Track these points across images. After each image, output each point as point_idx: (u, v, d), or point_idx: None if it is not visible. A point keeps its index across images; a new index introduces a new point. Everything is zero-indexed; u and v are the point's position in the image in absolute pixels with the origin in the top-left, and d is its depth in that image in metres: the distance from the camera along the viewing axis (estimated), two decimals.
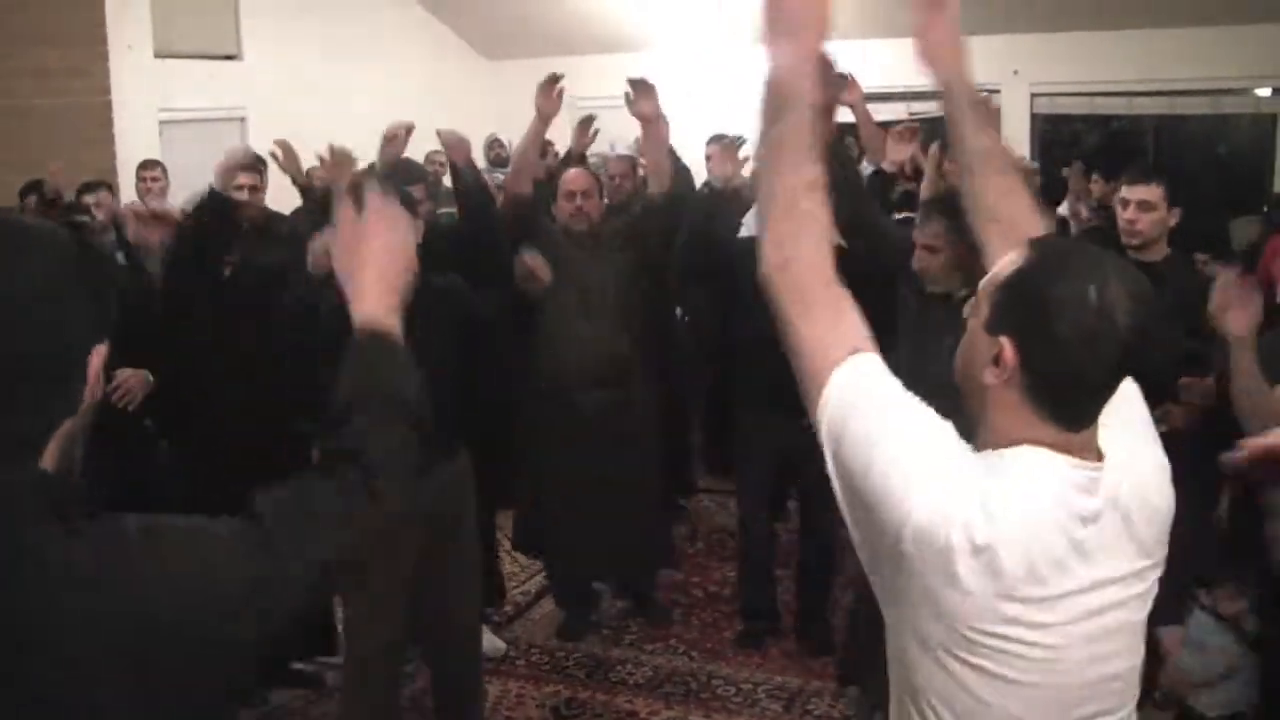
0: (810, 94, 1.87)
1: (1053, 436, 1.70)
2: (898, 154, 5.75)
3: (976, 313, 1.78)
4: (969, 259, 3.89)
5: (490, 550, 5.71)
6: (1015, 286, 1.72)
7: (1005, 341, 1.70)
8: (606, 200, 6.10)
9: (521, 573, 6.49)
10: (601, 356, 5.46)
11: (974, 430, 1.77)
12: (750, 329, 5.35)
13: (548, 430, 5.58)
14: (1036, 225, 2.07)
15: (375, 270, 1.82)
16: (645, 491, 5.74)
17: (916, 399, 1.73)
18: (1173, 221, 4.61)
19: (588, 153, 7.41)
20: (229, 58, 10.09)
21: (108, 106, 8.78)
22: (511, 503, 6.00)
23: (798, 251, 1.81)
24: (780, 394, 4.89)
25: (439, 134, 5.37)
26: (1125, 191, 4.63)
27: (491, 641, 5.55)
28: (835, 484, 1.72)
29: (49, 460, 1.42)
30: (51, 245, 1.43)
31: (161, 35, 9.33)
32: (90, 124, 8.62)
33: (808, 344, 1.75)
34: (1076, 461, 1.70)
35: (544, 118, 5.56)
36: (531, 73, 12.58)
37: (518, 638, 5.74)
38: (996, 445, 1.73)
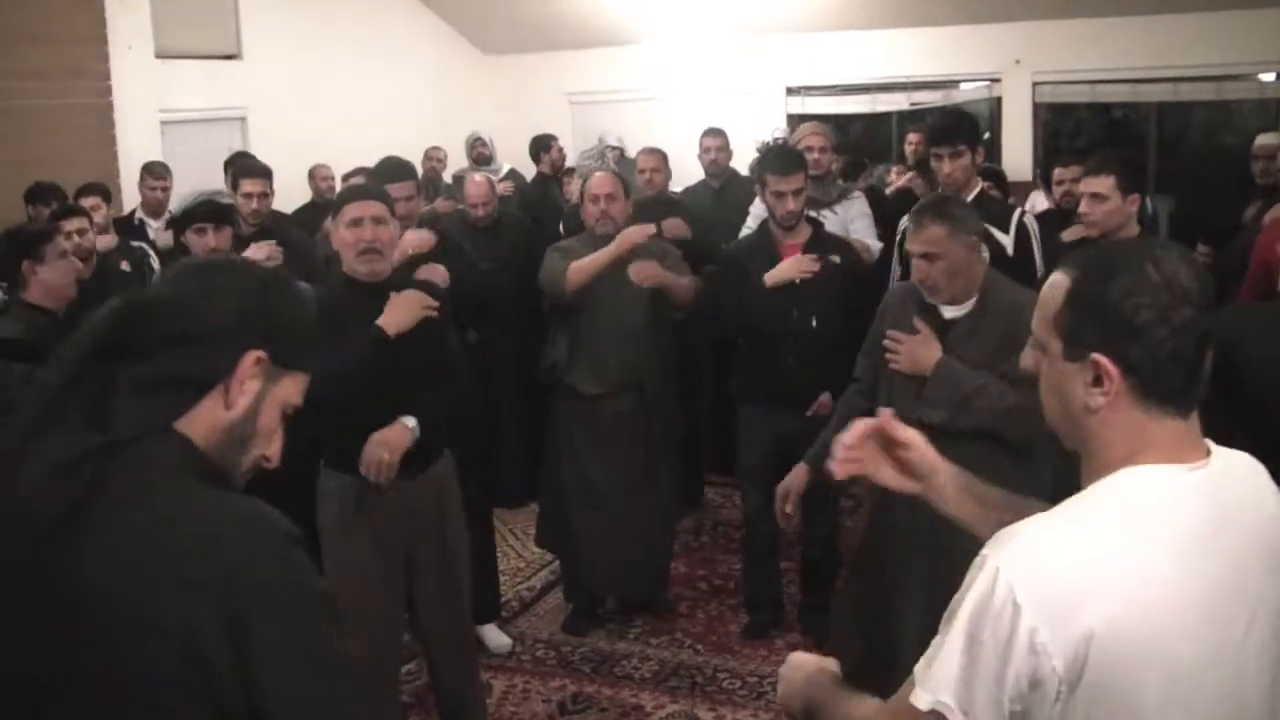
0: None
1: (1167, 435, 1.67)
2: None
3: (1045, 350, 1.75)
4: (970, 264, 3.90)
5: (490, 558, 5.72)
6: (1079, 303, 1.70)
7: (1098, 357, 1.66)
8: (637, 195, 6.07)
9: (527, 568, 6.50)
10: (624, 368, 5.49)
11: (1075, 471, 1.74)
12: (750, 324, 5.37)
13: (570, 438, 5.62)
14: None
15: None
16: (660, 504, 5.78)
17: None
18: (1132, 208, 4.68)
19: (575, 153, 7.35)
20: (229, 57, 10.08)
21: (109, 107, 8.77)
22: (512, 501, 6.01)
23: None
24: (779, 386, 4.92)
25: None
26: (1081, 184, 4.73)
27: (497, 637, 5.56)
28: None
29: (202, 438, 1.70)
30: (241, 268, 1.84)
31: (162, 35, 9.33)
32: (91, 124, 8.61)
33: None
34: (1184, 465, 1.67)
35: (624, 245, 5.39)
36: (529, 67, 12.78)
37: (523, 633, 5.74)
38: (1104, 469, 1.69)
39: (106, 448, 1.58)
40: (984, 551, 1.65)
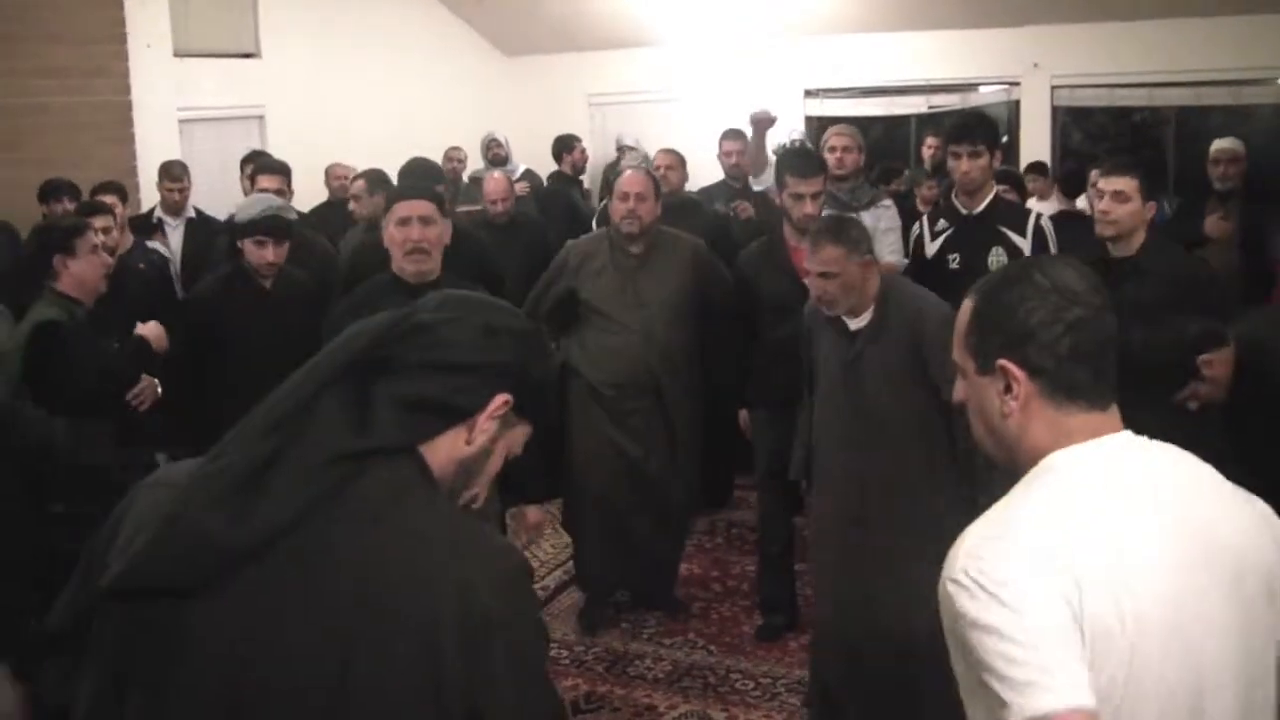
0: None
1: (1086, 425, 1.77)
2: None
3: (964, 372, 1.87)
4: (864, 281, 4.24)
5: None
6: (979, 320, 1.83)
7: (1004, 364, 1.78)
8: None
9: (541, 568, 6.50)
10: (639, 365, 5.49)
11: (1010, 480, 1.82)
12: (764, 334, 5.37)
13: (584, 424, 5.60)
14: None
15: None
16: (674, 504, 5.77)
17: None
18: (1148, 214, 4.67)
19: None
20: (248, 56, 10.10)
21: (127, 105, 8.79)
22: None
23: None
24: (792, 391, 4.93)
25: None
26: (1101, 182, 4.70)
27: None
28: None
29: (440, 470, 1.73)
30: (513, 315, 1.87)
31: (181, 34, 9.35)
32: (110, 122, 8.64)
33: None
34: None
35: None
36: (548, 68, 12.79)
37: None
38: (1033, 461, 1.79)
39: (366, 452, 1.62)
40: (943, 577, 1.70)
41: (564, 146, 9.91)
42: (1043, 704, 1.55)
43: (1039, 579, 1.61)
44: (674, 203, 6.66)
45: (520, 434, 1.85)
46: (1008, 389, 1.78)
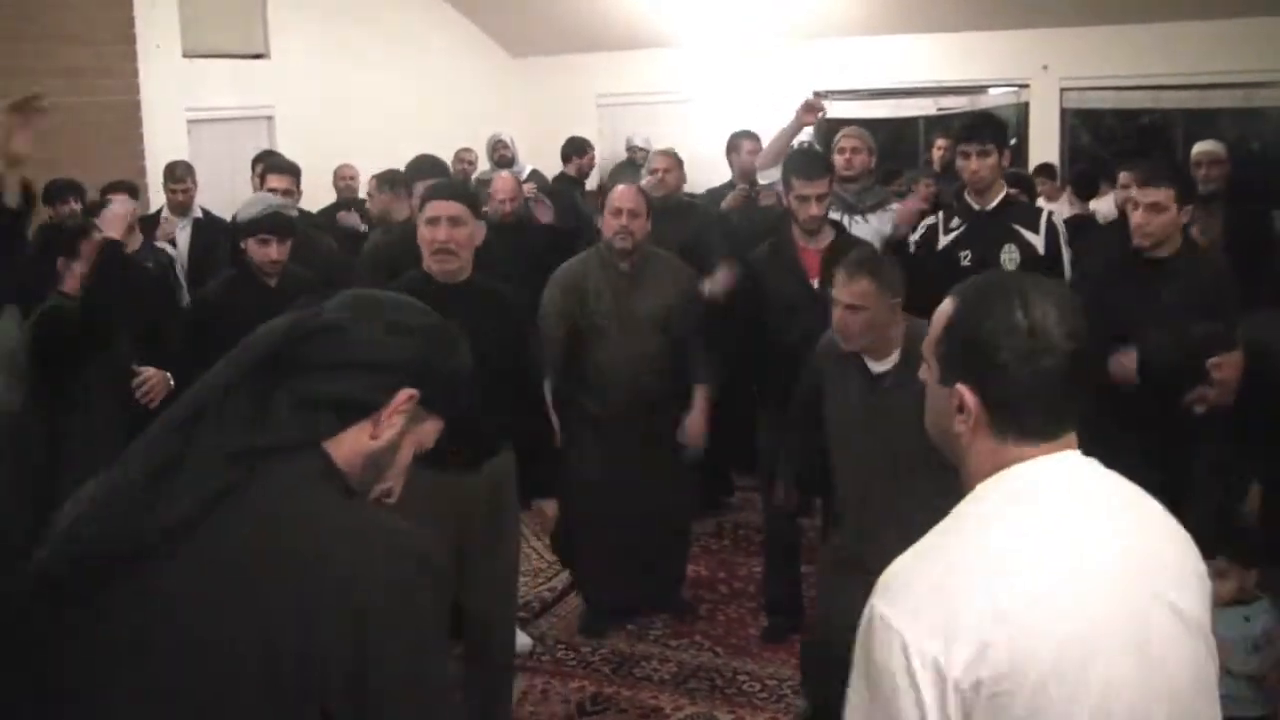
0: None
1: (1035, 452, 1.76)
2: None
3: (929, 372, 1.88)
4: (890, 323, 4.09)
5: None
6: (951, 335, 1.82)
7: (961, 389, 1.78)
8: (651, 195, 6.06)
9: (549, 569, 6.49)
10: (637, 381, 5.48)
11: (956, 479, 1.84)
12: (774, 337, 5.36)
13: (582, 447, 5.59)
14: None
15: None
16: (675, 518, 5.78)
17: None
18: (1184, 219, 4.66)
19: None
20: (257, 57, 10.13)
21: (136, 106, 8.82)
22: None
23: None
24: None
25: None
26: (1137, 194, 4.69)
27: (519, 637, 5.55)
28: None
29: (348, 466, 1.78)
30: (420, 310, 1.89)
31: (190, 35, 9.37)
32: (119, 123, 8.66)
33: None
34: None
35: None
36: (557, 70, 12.79)
37: (544, 633, 5.74)
38: (979, 478, 1.80)
39: (263, 450, 1.66)
40: (870, 602, 1.71)
41: (575, 149, 9.85)
42: None
43: (918, 656, 1.61)
44: (670, 204, 6.64)
45: (430, 428, 1.88)
46: (960, 409, 1.79)
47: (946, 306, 1.85)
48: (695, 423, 5.57)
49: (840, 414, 4.32)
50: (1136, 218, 4.65)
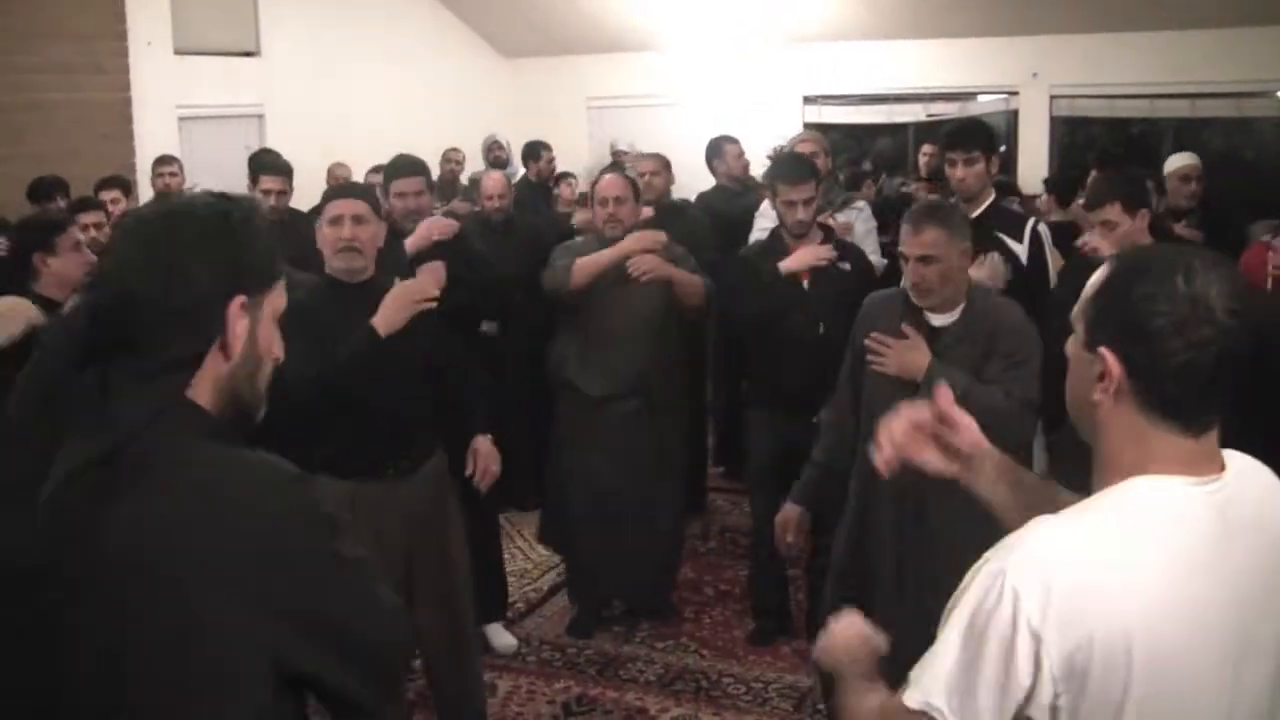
0: None
1: (1173, 449, 1.66)
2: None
3: (1075, 337, 1.75)
4: (962, 270, 3.94)
5: (496, 557, 5.73)
6: (1104, 295, 1.70)
7: (1105, 353, 1.66)
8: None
9: (534, 569, 6.49)
10: (631, 372, 5.49)
11: (1091, 461, 1.74)
12: (758, 329, 5.37)
13: (575, 439, 5.62)
14: None
15: None
16: (666, 511, 5.77)
17: None
18: (1142, 223, 4.74)
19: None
20: (248, 54, 10.12)
21: (127, 102, 8.82)
22: (518, 502, 6.00)
23: None
24: (787, 392, 4.92)
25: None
26: (1090, 216, 4.75)
27: (503, 638, 5.56)
28: None
29: (209, 399, 1.75)
30: (190, 215, 1.77)
31: (181, 32, 9.37)
32: (110, 119, 8.66)
33: None
34: (1194, 479, 1.66)
35: (623, 251, 5.42)
36: (548, 71, 12.80)
37: (529, 634, 5.74)
38: (1113, 473, 1.69)
39: (115, 449, 1.63)
40: (987, 555, 1.65)
41: (530, 153, 9.68)
42: (912, 697, 1.65)
43: (1044, 628, 1.57)
44: (659, 207, 6.66)
45: (276, 298, 1.84)
46: (1102, 377, 1.68)
47: (1103, 270, 1.73)
48: None
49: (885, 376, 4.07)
50: (1093, 243, 4.74)
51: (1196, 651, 1.59)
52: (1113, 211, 4.66)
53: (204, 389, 1.74)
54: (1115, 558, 1.59)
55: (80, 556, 1.59)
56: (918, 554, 3.93)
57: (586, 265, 5.37)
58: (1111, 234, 4.65)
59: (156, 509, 1.60)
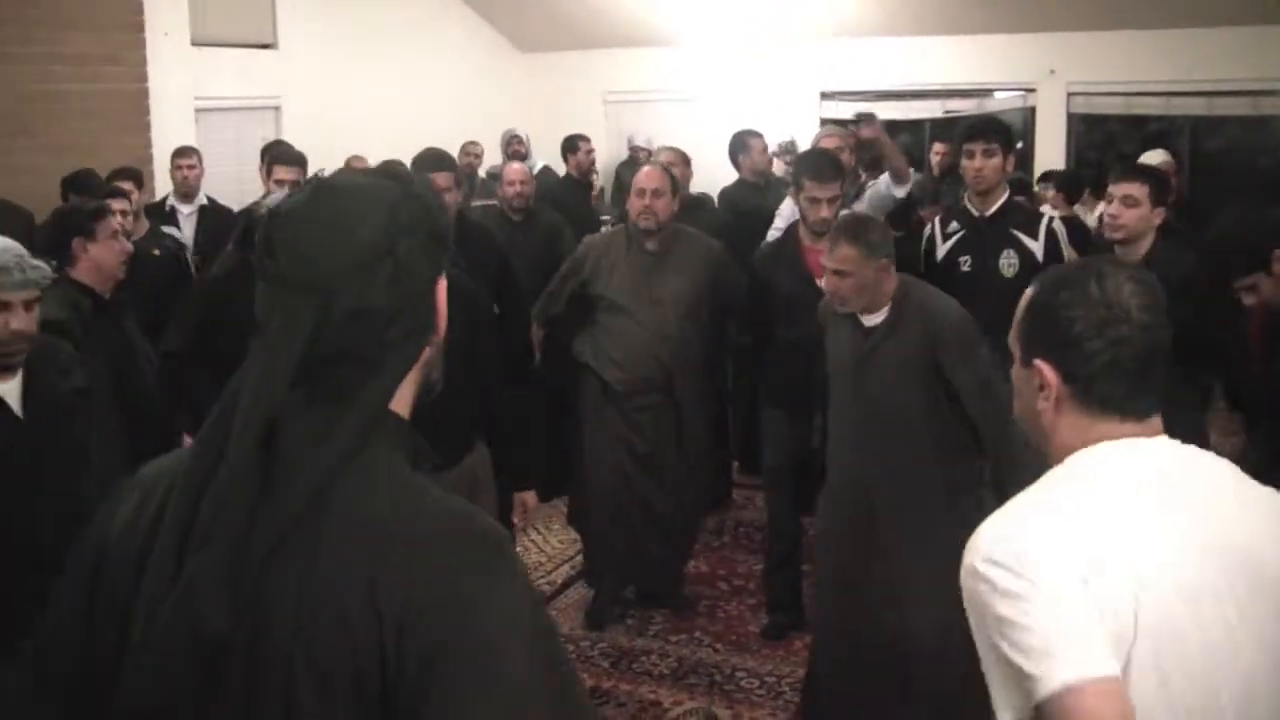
0: None
1: (1118, 432, 1.80)
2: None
3: (1015, 357, 1.92)
4: (879, 282, 4.23)
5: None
6: (1029, 313, 1.88)
7: (1040, 365, 1.83)
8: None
9: (548, 562, 6.50)
10: (653, 361, 5.50)
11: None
12: (778, 334, 5.37)
13: (595, 424, 5.63)
14: None
15: None
16: (686, 500, 5.78)
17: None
18: (1156, 220, 4.74)
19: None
20: (265, 46, 10.12)
21: (144, 93, 8.82)
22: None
23: None
24: (803, 390, 4.94)
25: None
26: (1111, 188, 4.75)
27: None
28: None
29: (409, 387, 1.57)
30: (378, 199, 1.53)
31: (198, 23, 9.38)
32: (126, 110, 8.66)
33: None
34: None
35: None
36: (565, 66, 12.80)
37: None
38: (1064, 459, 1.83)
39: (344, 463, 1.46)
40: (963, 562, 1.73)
41: (569, 147, 9.73)
42: (1066, 675, 1.57)
43: (1056, 560, 1.63)
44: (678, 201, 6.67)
45: (442, 284, 1.61)
46: (1042, 388, 1.83)
47: (1028, 291, 1.91)
48: None
49: (835, 364, 4.48)
50: (1110, 210, 4.75)
51: (1184, 585, 1.67)
52: (1140, 192, 4.70)
53: (405, 391, 1.57)
54: (1080, 503, 1.71)
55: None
56: (864, 548, 4.32)
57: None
58: (1130, 210, 4.69)
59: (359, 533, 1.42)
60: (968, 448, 4.27)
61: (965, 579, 1.70)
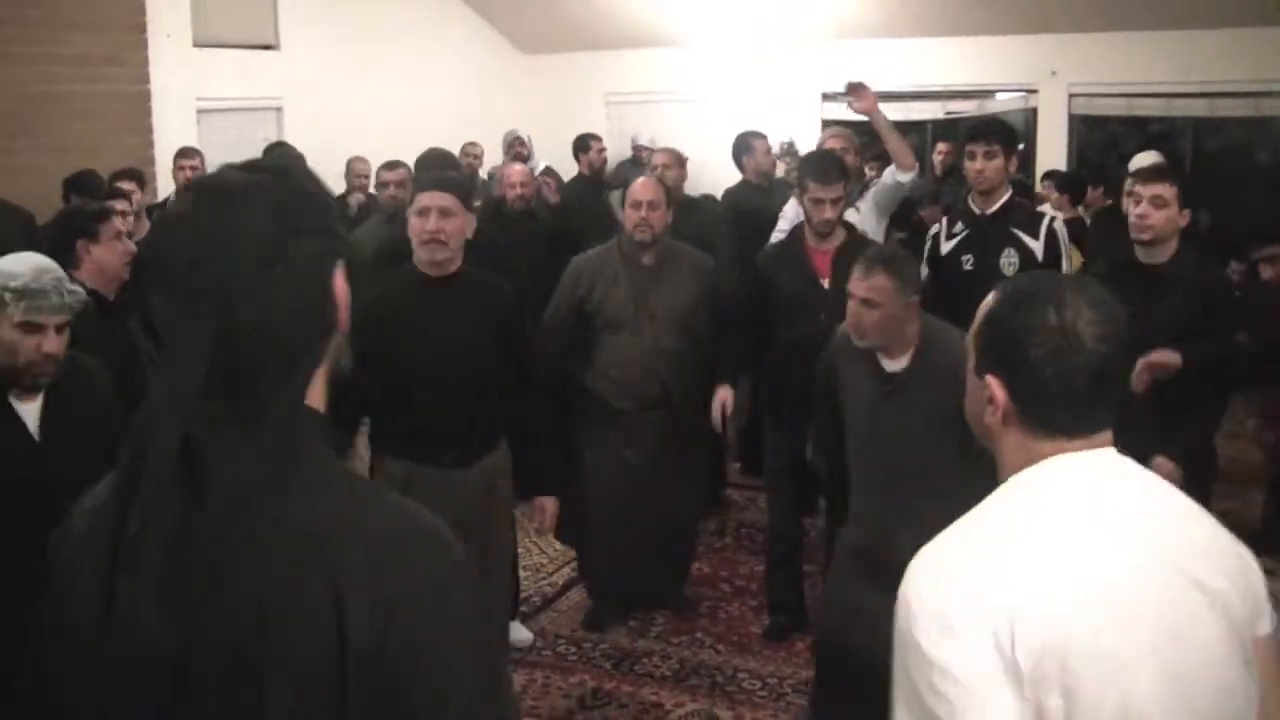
0: None
1: (1066, 449, 1.79)
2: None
3: (969, 362, 1.91)
4: (905, 321, 4.02)
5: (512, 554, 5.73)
6: (987, 327, 1.86)
7: (991, 380, 1.82)
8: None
9: (549, 564, 6.50)
10: (651, 373, 5.48)
11: (972, 476, 1.89)
12: (779, 334, 5.36)
13: (593, 435, 5.61)
14: None
15: None
16: (683, 507, 5.78)
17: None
18: (1183, 222, 4.66)
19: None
20: (266, 47, 10.14)
21: (146, 94, 8.83)
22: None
23: None
24: (805, 392, 4.94)
25: None
26: (1139, 188, 4.67)
27: (518, 632, 5.55)
28: None
29: (320, 381, 1.55)
30: (262, 200, 1.49)
31: (200, 24, 9.39)
32: (128, 111, 8.67)
33: None
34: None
35: None
36: (566, 67, 12.79)
37: (544, 628, 5.74)
38: (1010, 469, 1.83)
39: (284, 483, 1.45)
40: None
41: (580, 146, 9.79)
42: None
43: (971, 619, 1.64)
44: (673, 202, 6.66)
45: (340, 271, 1.58)
46: (990, 400, 1.83)
47: (990, 299, 1.89)
48: (713, 408, 5.54)
49: (854, 409, 4.26)
50: (1138, 210, 4.63)
51: (1132, 611, 1.66)
52: (1169, 193, 4.60)
53: (317, 384, 1.54)
54: (1013, 533, 1.71)
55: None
56: (878, 595, 4.08)
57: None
58: (1160, 211, 4.59)
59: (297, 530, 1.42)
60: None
61: (899, 604, 1.72)
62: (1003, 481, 1.83)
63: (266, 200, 1.49)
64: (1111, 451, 1.81)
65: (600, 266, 5.53)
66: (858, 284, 4.03)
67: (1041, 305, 1.78)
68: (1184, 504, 1.83)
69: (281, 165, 1.58)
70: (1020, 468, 1.81)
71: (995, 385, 1.81)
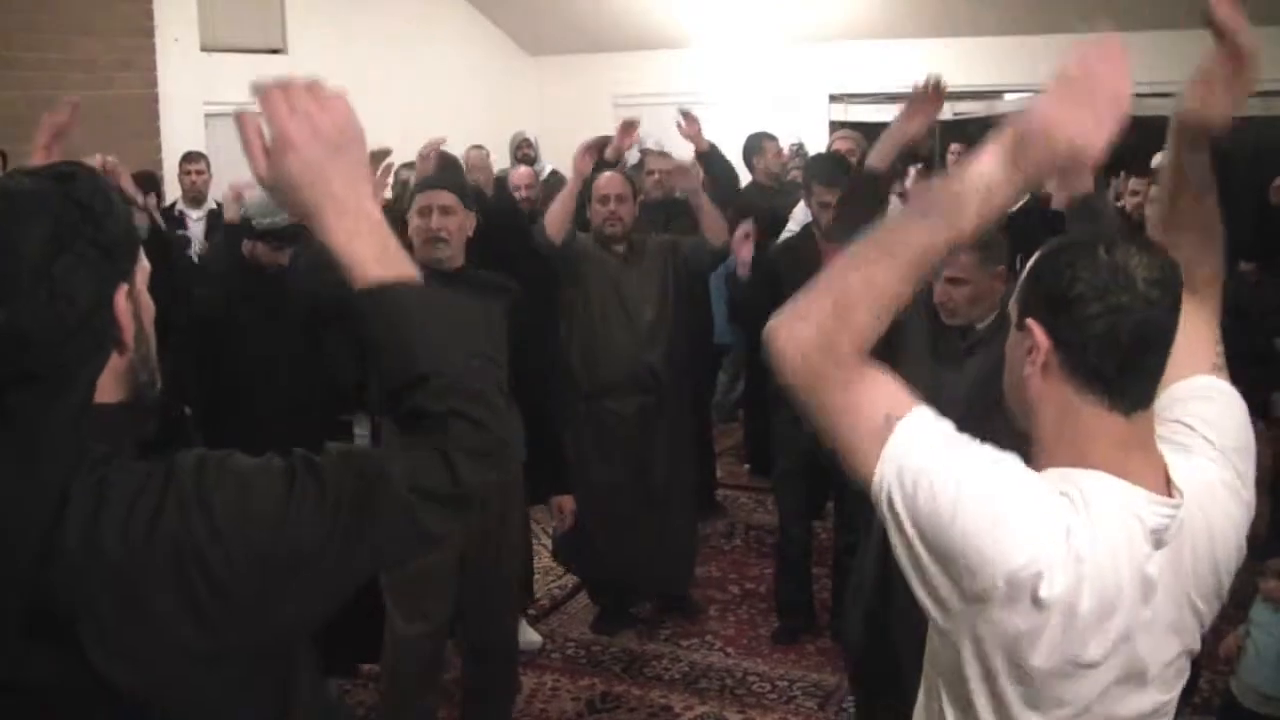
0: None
1: (1103, 427, 1.68)
2: None
3: (1011, 321, 1.80)
4: (993, 291, 3.91)
5: (526, 546, 5.71)
6: (1033, 273, 1.75)
7: (1032, 324, 1.70)
8: (646, 197, 6.08)
9: (558, 567, 6.48)
10: (636, 366, 5.48)
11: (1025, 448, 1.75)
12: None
13: (582, 436, 5.58)
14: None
15: (321, 180, 1.69)
16: (679, 501, 5.75)
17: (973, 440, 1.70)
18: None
19: (629, 149, 7.28)
20: (274, 52, 10.15)
21: (154, 99, 8.85)
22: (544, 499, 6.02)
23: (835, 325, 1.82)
24: None
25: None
26: (1133, 183, 4.70)
27: (528, 635, 5.54)
28: (905, 549, 1.66)
29: (113, 393, 1.50)
30: (37, 212, 1.44)
31: (208, 29, 9.41)
32: (136, 116, 8.69)
33: (845, 417, 1.75)
34: (1153, 497, 1.68)
35: (579, 175, 5.49)
36: (573, 68, 12.79)
37: (554, 631, 5.73)
38: (1050, 452, 1.72)
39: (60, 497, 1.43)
40: None
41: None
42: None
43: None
44: (675, 203, 6.65)
45: (141, 274, 1.56)
46: (1030, 350, 1.71)
47: (1036, 254, 1.78)
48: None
49: (911, 372, 4.09)
50: (1133, 204, 4.69)
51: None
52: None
53: (106, 390, 1.50)
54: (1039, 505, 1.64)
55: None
56: None
57: (556, 212, 5.42)
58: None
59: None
60: None
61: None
62: (1040, 452, 1.74)
63: (41, 211, 1.44)
64: (1155, 458, 1.73)
65: (585, 254, 5.55)
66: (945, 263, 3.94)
67: (1091, 245, 1.68)
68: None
69: (71, 170, 1.52)
70: (1059, 435, 1.71)
71: (1037, 329, 1.69)
